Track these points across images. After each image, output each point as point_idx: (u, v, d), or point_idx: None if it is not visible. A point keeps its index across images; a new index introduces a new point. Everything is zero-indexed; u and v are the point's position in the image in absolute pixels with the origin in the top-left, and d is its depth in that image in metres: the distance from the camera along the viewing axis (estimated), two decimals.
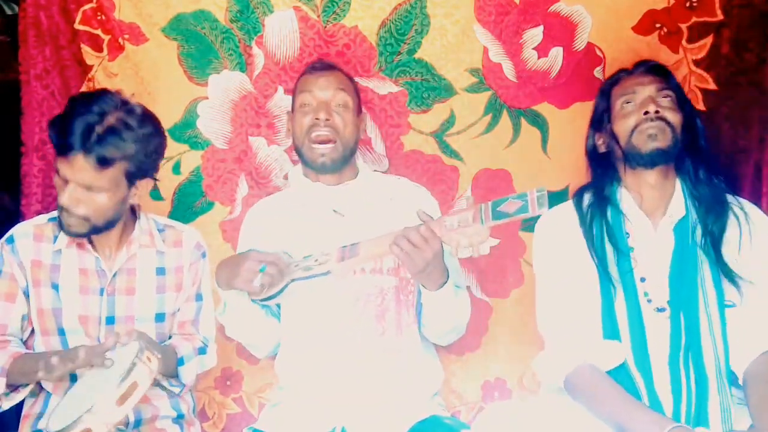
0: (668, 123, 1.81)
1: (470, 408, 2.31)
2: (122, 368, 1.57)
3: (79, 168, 1.75)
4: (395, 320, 1.91)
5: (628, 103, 1.87)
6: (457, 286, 1.92)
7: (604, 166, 1.91)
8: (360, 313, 1.91)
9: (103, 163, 1.75)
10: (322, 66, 2.12)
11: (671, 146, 1.81)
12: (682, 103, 1.88)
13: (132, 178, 1.83)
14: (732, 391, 1.73)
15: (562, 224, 1.89)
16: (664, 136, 1.80)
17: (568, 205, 1.94)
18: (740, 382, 1.72)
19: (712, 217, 1.80)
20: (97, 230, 1.85)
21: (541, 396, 1.96)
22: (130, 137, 1.77)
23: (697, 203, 1.83)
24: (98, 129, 1.74)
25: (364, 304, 1.91)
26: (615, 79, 1.95)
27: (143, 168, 1.84)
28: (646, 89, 1.86)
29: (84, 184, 1.77)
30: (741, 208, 1.84)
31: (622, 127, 1.86)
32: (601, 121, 1.94)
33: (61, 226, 1.84)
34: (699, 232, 1.80)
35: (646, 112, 1.81)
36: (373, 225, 1.92)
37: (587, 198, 1.90)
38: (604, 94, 1.96)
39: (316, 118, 2.00)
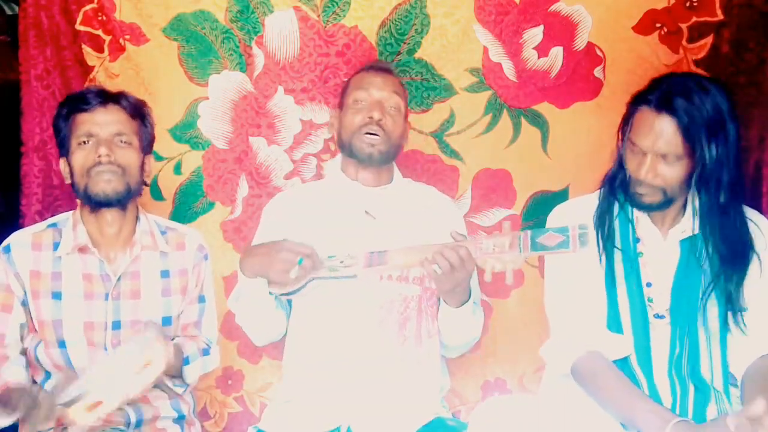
0: (661, 188, 1.73)
1: (470, 408, 2.31)
2: (139, 346, 1.60)
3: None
4: (416, 329, 1.91)
5: (634, 150, 1.75)
6: (474, 303, 1.92)
7: (622, 163, 1.81)
8: (382, 320, 1.90)
9: None
10: (379, 66, 2.11)
11: (664, 201, 1.75)
12: (702, 141, 1.67)
13: None
14: (731, 390, 1.75)
15: (578, 214, 1.85)
16: (654, 197, 1.74)
17: (593, 197, 1.89)
18: (739, 384, 1.74)
19: (729, 259, 1.74)
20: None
21: (539, 393, 1.96)
22: None
23: (709, 229, 1.77)
24: None
25: (387, 311, 1.91)
26: (638, 103, 1.76)
27: None
28: (651, 147, 1.70)
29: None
30: (759, 228, 1.81)
31: (626, 162, 1.77)
32: (624, 125, 1.82)
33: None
34: (707, 250, 1.78)
35: (640, 176, 1.73)
36: (402, 231, 1.91)
37: (605, 190, 1.86)
38: (633, 105, 1.78)
39: (370, 117, 1.99)
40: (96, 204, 1.87)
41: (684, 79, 1.75)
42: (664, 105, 1.68)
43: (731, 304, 1.74)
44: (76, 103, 1.91)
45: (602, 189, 1.87)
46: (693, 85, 1.70)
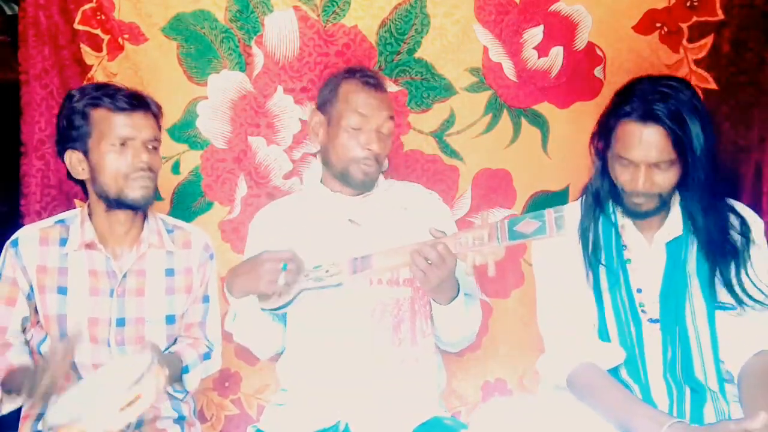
0: (658, 194, 1.73)
1: (470, 408, 2.31)
2: (131, 377, 1.56)
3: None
4: (411, 330, 1.90)
5: (624, 164, 1.74)
6: (467, 294, 1.91)
7: (605, 169, 1.83)
8: (376, 323, 1.89)
9: None
10: (375, 82, 2.00)
11: (658, 206, 1.76)
12: (688, 145, 1.68)
13: None
14: (727, 388, 1.73)
15: (569, 217, 1.85)
16: (649, 203, 1.75)
17: (575, 205, 1.90)
18: (735, 381, 1.73)
19: (714, 248, 1.75)
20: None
21: (539, 394, 1.95)
22: None
23: (696, 231, 1.77)
24: None
25: (380, 314, 1.90)
26: (619, 117, 1.73)
27: None
28: (642, 158, 1.70)
29: None
30: (745, 224, 1.79)
31: (616, 176, 1.76)
32: (604, 136, 1.80)
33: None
34: (694, 250, 1.78)
35: (636, 187, 1.72)
36: (389, 234, 1.90)
37: (587, 200, 1.87)
38: (611, 117, 1.76)
39: (369, 149, 1.94)
40: (125, 207, 1.87)
41: (655, 84, 1.73)
42: (648, 115, 1.68)
43: (735, 292, 1.73)
44: (104, 100, 1.85)
45: (583, 200, 1.87)
46: (667, 89, 1.70)
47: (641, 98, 1.70)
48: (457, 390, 2.31)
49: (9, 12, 2.56)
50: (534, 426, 1.67)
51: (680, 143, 1.68)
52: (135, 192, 1.85)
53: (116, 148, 1.84)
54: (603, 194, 1.82)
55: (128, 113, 1.85)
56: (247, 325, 1.92)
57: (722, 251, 1.74)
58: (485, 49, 2.31)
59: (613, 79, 2.28)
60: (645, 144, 1.68)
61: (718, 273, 1.74)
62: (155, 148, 1.90)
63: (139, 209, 1.90)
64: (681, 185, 1.75)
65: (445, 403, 2.06)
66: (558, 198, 2.28)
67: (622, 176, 1.74)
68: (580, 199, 1.89)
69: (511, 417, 1.68)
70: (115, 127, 1.84)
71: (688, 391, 1.71)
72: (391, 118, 2.00)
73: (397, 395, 1.86)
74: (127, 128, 1.85)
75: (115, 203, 1.87)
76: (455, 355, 2.25)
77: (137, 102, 1.87)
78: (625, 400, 1.67)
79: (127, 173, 1.84)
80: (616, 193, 1.79)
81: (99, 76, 2.27)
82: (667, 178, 1.72)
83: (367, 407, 1.84)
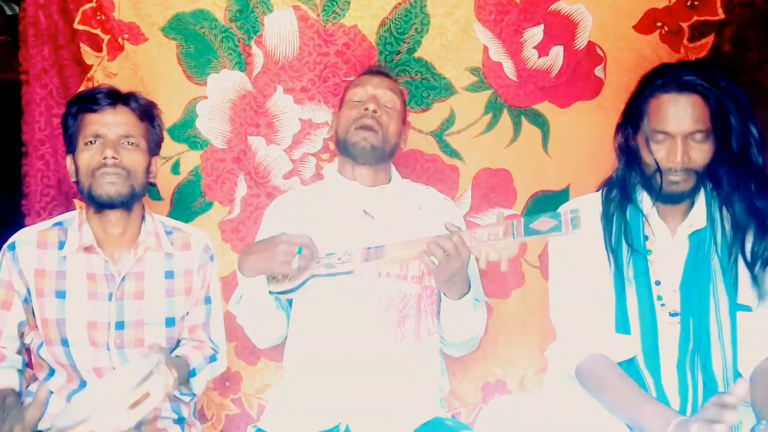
0: (694, 171, 1.72)
1: (470, 409, 2.31)
2: (139, 376, 1.55)
3: None
4: (415, 328, 1.90)
5: (659, 139, 1.73)
6: (476, 299, 1.92)
7: (632, 161, 1.81)
8: (380, 317, 1.89)
9: None
10: (378, 70, 2.15)
11: (693, 188, 1.75)
12: (728, 113, 1.70)
13: None
14: None
15: (585, 215, 1.80)
16: (686, 183, 1.73)
17: (596, 197, 1.88)
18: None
19: (753, 236, 1.73)
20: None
21: (544, 393, 1.94)
22: None
23: (729, 218, 1.76)
24: None
25: (385, 308, 1.90)
26: (651, 92, 1.74)
27: None
28: (680, 128, 1.69)
29: None
30: None
31: (650, 156, 1.74)
32: (633, 121, 1.80)
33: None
34: (719, 242, 1.76)
35: (674, 161, 1.71)
36: (401, 230, 1.91)
37: (611, 193, 1.84)
38: (640, 99, 1.76)
39: (365, 109, 2.01)
40: (99, 205, 1.86)
41: (685, 64, 1.80)
42: (683, 85, 1.70)
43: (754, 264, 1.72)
44: (85, 102, 1.89)
45: (604, 192, 1.85)
46: (699, 66, 1.75)
47: (674, 73, 1.73)
48: (457, 390, 2.30)
49: (9, 12, 2.57)
50: (540, 426, 1.65)
51: (716, 112, 1.69)
52: (101, 188, 1.84)
53: (88, 146, 1.85)
54: (630, 184, 1.81)
55: (100, 111, 1.85)
56: (251, 308, 1.92)
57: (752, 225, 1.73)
58: (485, 49, 2.31)
59: (614, 78, 2.28)
60: (681, 112, 1.69)
61: (745, 253, 1.72)
62: (134, 145, 1.88)
63: (116, 207, 1.87)
64: (713, 167, 1.74)
65: (446, 404, 2.06)
66: (558, 198, 2.28)
67: (658, 153, 1.73)
68: (600, 190, 1.87)
69: (516, 416, 1.67)
70: (88, 125, 1.86)
71: (701, 387, 1.71)
72: (393, 92, 2.06)
73: (397, 396, 1.86)
74: (96, 125, 1.85)
75: (90, 201, 1.87)
76: None
77: (112, 99, 1.87)
78: (634, 394, 1.65)
79: (94, 169, 1.84)
80: (646, 180, 1.78)
81: (99, 76, 2.27)
82: (702, 152, 1.71)
83: (368, 408, 1.84)
